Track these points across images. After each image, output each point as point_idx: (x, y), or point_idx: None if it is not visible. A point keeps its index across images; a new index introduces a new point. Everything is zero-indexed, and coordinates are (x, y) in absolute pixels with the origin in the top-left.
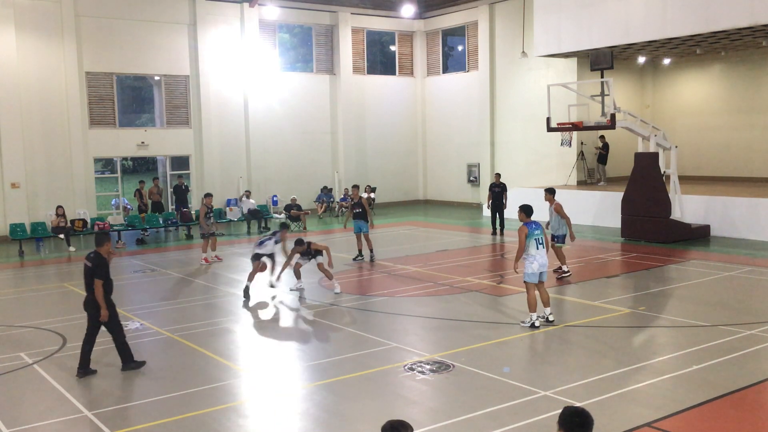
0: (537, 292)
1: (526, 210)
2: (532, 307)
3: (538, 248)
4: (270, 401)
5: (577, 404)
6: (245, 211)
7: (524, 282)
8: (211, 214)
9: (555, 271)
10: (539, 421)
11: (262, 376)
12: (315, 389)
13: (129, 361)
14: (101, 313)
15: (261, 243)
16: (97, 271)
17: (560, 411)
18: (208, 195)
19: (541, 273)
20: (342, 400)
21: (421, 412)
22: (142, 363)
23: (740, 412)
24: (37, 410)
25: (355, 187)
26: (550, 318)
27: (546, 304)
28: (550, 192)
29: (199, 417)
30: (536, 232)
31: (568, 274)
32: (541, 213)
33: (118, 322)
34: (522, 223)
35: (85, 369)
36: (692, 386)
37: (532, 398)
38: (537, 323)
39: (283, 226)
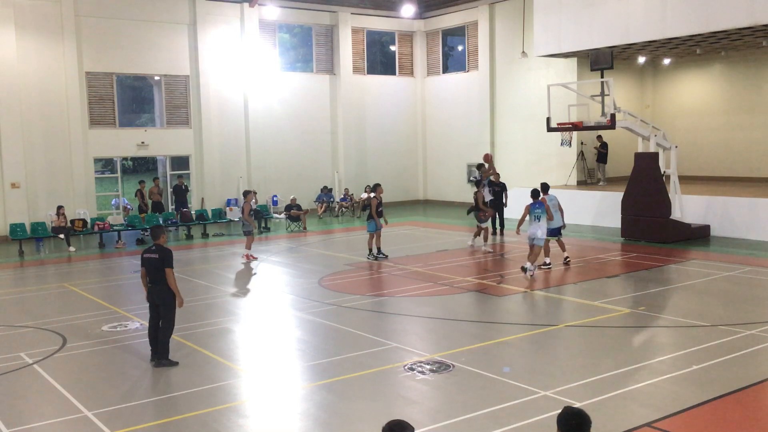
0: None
1: (532, 193)
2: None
3: (533, 221)
4: (270, 401)
5: (577, 404)
6: None
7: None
8: (252, 212)
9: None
10: (539, 421)
11: (262, 376)
12: (315, 389)
13: (164, 358)
14: (177, 300)
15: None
16: (166, 261)
17: (559, 411)
18: (249, 192)
19: (534, 239)
20: (342, 400)
21: (421, 412)
22: (176, 363)
23: (740, 412)
24: (37, 410)
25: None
26: (531, 272)
27: (529, 259)
28: (542, 189)
29: (199, 417)
30: (537, 210)
31: (548, 266)
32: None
33: (174, 316)
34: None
35: (163, 358)
36: (692, 386)
37: (532, 398)
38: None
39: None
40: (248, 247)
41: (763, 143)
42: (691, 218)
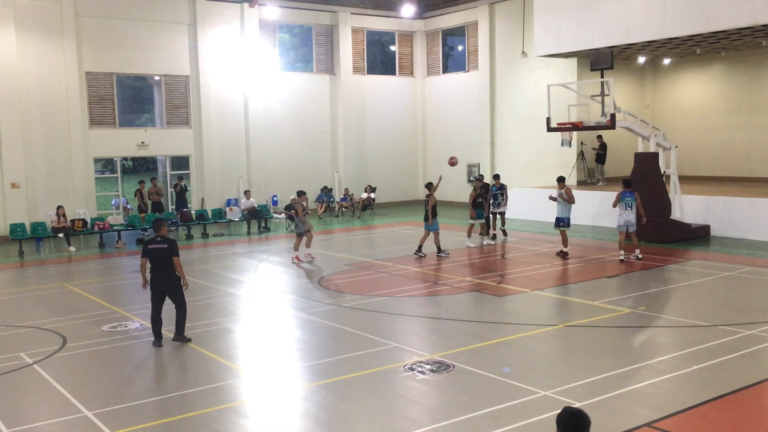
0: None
1: (624, 182)
2: (620, 247)
3: (625, 209)
4: (270, 401)
5: (577, 404)
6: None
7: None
8: (306, 212)
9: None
10: (539, 421)
11: (262, 376)
12: (315, 389)
13: (181, 334)
14: (183, 282)
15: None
16: (174, 251)
17: (559, 411)
18: (303, 193)
19: (627, 226)
20: (342, 400)
21: (421, 412)
22: (189, 339)
23: (740, 412)
24: (37, 410)
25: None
26: (640, 257)
27: (634, 248)
28: (559, 181)
29: (199, 417)
30: (627, 198)
31: (566, 255)
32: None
33: (184, 296)
34: (621, 191)
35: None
36: (692, 386)
37: (532, 398)
38: (623, 258)
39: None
40: (308, 245)
41: (763, 143)
42: (691, 218)
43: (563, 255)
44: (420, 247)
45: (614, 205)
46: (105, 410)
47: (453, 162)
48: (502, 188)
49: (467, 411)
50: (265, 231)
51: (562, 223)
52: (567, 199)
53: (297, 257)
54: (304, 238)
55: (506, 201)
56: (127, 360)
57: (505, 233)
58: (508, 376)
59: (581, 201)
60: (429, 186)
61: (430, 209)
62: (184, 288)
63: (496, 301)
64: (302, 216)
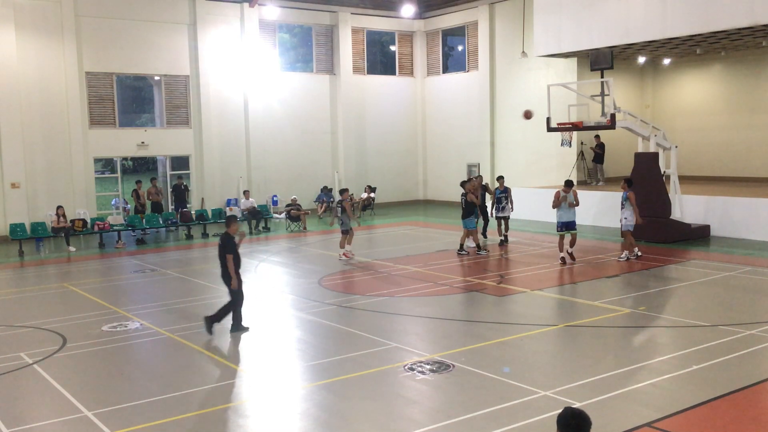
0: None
1: (630, 182)
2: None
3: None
4: (270, 401)
5: (577, 404)
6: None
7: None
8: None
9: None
10: (539, 421)
11: (262, 376)
12: (315, 389)
13: (238, 327)
14: (231, 282)
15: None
16: (227, 248)
17: (560, 411)
18: (346, 190)
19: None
20: (342, 400)
21: (421, 412)
22: (246, 329)
23: (740, 412)
24: (37, 410)
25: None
26: (639, 254)
27: (633, 246)
28: (566, 185)
29: (199, 417)
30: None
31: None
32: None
33: (241, 292)
34: (630, 192)
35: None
36: (692, 386)
37: (532, 398)
38: (634, 255)
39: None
40: (346, 245)
41: (763, 143)
42: (691, 218)
43: (569, 256)
44: (478, 246)
45: (635, 211)
46: (105, 410)
47: (528, 115)
48: (506, 191)
49: (467, 411)
50: (265, 231)
51: (574, 228)
52: (573, 203)
53: (346, 253)
54: (339, 234)
55: (512, 205)
56: (127, 360)
57: (506, 239)
58: (508, 376)
59: (581, 201)
60: (463, 184)
61: (469, 205)
62: (231, 286)
63: (496, 301)
64: (349, 212)
